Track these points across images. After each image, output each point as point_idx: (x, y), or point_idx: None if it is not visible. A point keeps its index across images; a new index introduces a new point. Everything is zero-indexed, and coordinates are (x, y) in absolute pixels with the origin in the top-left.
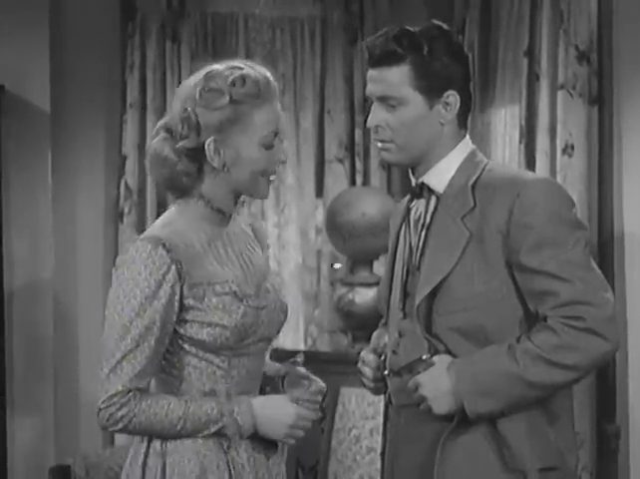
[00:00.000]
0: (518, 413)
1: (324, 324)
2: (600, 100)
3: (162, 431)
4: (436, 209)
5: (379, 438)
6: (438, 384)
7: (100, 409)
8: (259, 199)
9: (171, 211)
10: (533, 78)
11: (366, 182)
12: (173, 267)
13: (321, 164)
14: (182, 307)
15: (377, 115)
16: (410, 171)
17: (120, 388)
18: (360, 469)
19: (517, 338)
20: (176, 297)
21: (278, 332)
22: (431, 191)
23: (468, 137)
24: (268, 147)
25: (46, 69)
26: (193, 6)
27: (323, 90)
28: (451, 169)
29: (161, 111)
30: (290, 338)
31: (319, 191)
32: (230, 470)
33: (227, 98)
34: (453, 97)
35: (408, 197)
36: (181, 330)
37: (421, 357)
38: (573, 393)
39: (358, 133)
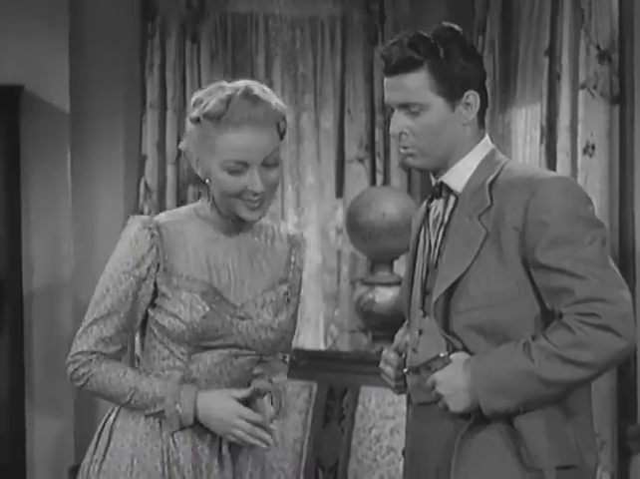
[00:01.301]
0: (535, 410)
1: (344, 324)
2: (621, 99)
3: (115, 397)
4: (454, 208)
5: (399, 438)
6: (454, 382)
7: (67, 363)
8: (241, 219)
9: (189, 206)
10: (554, 77)
11: (386, 181)
12: (154, 252)
13: (341, 164)
14: (157, 292)
15: (399, 122)
16: (431, 171)
17: (85, 348)
18: (380, 469)
19: (533, 336)
20: (152, 280)
21: (267, 349)
22: (450, 190)
23: (487, 136)
24: (230, 173)
25: (65, 69)
26: (213, 6)
27: (343, 89)
28: (470, 168)
29: (181, 111)
30: (310, 338)
31: (339, 191)
32: (163, 457)
33: (194, 114)
34: (473, 96)
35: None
36: (152, 313)
37: (439, 355)
38: (593, 394)
39: (378, 132)
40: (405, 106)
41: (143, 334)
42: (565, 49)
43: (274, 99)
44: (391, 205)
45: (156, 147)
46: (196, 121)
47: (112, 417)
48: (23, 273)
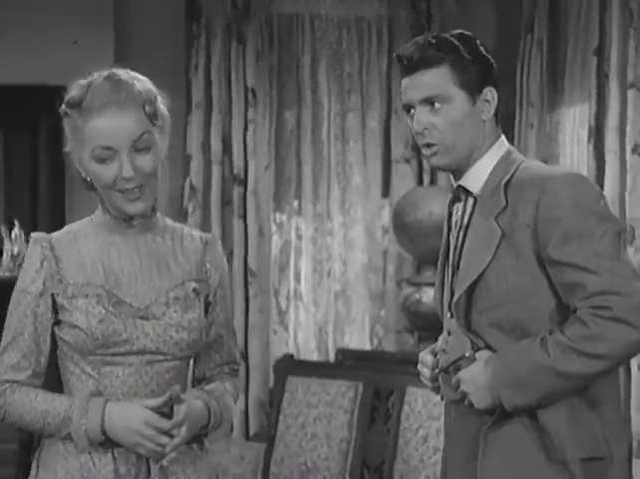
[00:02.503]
0: (558, 403)
1: (390, 324)
2: None
3: (32, 424)
4: (473, 210)
5: None
6: (476, 380)
7: None
8: (125, 214)
9: (86, 217)
10: (603, 77)
11: (433, 181)
12: (46, 264)
13: (387, 163)
14: (57, 307)
15: (423, 118)
16: (451, 174)
17: None
18: (426, 469)
19: (550, 331)
20: (49, 294)
21: (183, 351)
22: (468, 192)
23: (503, 136)
24: (99, 161)
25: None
26: (258, 6)
27: (390, 89)
28: (486, 170)
29: (226, 111)
30: (356, 339)
31: (385, 191)
32: None
33: (63, 106)
34: (491, 93)
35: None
36: (57, 331)
37: (464, 354)
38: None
39: None
40: (428, 100)
41: (59, 358)
42: (614, 48)
43: (140, 82)
44: (437, 204)
45: (200, 147)
46: (65, 114)
47: (38, 450)
48: None
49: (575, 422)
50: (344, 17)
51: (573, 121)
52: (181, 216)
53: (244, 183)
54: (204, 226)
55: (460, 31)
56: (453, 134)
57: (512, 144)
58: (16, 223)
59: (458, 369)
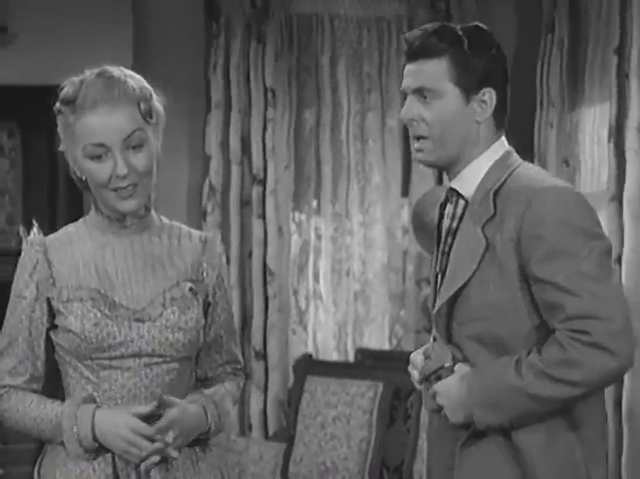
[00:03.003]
0: (536, 424)
1: (410, 324)
2: None
3: (29, 430)
4: (463, 214)
5: None
6: (450, 394)
7: None
8: (118, 212)
9: (81, 219)
10: (623, 76)
11: None
12: (40, 268)
13: (407, 163)
14: (53, 311)
15: (411, 108)
16: (442, 169)
17: None
18: None
19: (529, 351)
20: (44, 298)
21: (180, 352)
22: (460, 195)
23: (503, 138)
24: (92, 159)
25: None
26: (278, 6)
27: None
28: (480, 173)
29: (246, 111)
30: (375, 338)
31: (405, 190)
32: None
33: (57, 104)
34: (489, 94)
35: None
36: (53, 336)
37: (444, 365)
38: None
39: None
40: (419, 91)
41: (59, 363)
42: (635, 47)
43: (134, 79)
44: None
45: (219, 146)
46: (58, 112)
47: (40, 455)
48: None
49: (552, 443)
50: (363, 17)
51: (594, 120)
52: (200, 215)
53: (263, 182)
54: (223, 225)
55: (475, 24)
56: (440, 130)
57: (532, 143)
58: (34, 223)
59: (438, 379)
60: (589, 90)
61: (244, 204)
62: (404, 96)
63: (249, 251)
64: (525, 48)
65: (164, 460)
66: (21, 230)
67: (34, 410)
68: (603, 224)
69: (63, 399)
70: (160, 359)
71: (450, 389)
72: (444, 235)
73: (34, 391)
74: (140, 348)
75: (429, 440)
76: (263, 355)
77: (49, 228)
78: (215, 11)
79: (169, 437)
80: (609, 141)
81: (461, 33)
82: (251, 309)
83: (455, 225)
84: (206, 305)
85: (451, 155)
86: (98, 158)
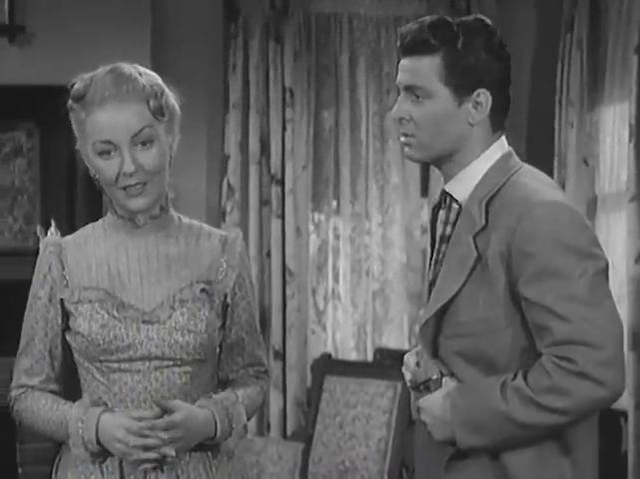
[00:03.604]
0: (526, 446)
1: None
2: None
3: (43, 431)
4: (456, 220)
5: None
6: (434, 411)
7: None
8: (128, 210)
9: (100, 219)
10: None
11: None
12: (54, 269)
13: (426, 163)
14: (66, 312)
15: (402, 106)
16: (431, 164)
17: (13, 384)
18: None
19: (515, 374)
20: (58, 299)
21: (190, 355)
22: (453, 200)
23: (503, 139)
24: (101, 156)
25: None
26: (297, 6)
27: None
28: (476, 176)
29: (264, 111)
30: (394, 338)
31: (424, 190)
32: None
33: (69, 101)
34: (484, 96)
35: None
36: (67, 337)
37: (431, 377)
38: None
39: None
40: (410, 89)
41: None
42: None
43: (146, 76)
44: None
45: (238, 146)
46: (70, 109)
47: (58, 456)
48: None
49: (541, 466)
50: (382, 17)
51: (614, 120)
52: (219, 215)
53: (282, 182)
54: (242, 225)
55: (477, 17)
56: (428, 131)
57: (552, 143)
58: (52, 222)
59: (427, 389)
60: (609, 89)
61: (263, 203)
62: (398, 91)
63: (268, 251)
64: (545, 47)
65: (176, 464)
66: (38, 229)
67: (47, 412)
68: (623, 224)
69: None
70: (170, 363)
71: (433, 406)
72: (437, 241)
73: (51, 392)
74: (149, 351)
75: (416, 451)
76: (282, 355)
77: (67, 227)
78: (234, 11)
79: (163, 434)
80: (629, 141)
81: (457, 29)
82: (270, 309)
83: (448, 231)
84: (225, 307)
85: (439, 154)
86: (106, 154)
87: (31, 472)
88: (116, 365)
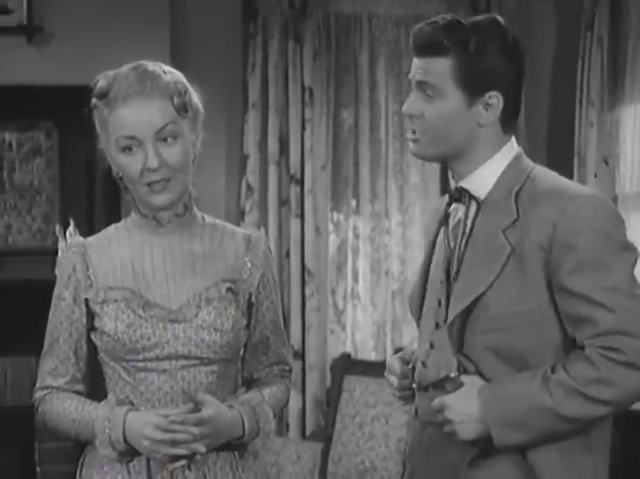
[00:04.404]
0: (552, 443)
1: None
2: None
3: (67, 432)
4: (476, 216)
5: None
6: (466, 409)
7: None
8: (152, 207)
9: (122, 219)
10: None
11: None
12: (79, 269)
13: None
14: (91, 313)
15: (413, 103)
16: (449, 173)
17: (38, 385)
18: None
19: (552, 367)
20: (82, 299)
21: (217, 354)
22: (471, 196)
23: (513, 140)
24: (124, 152)
25: None
26: (316, 6)
27: None
28: (493, 174)
29: (283, 110)
30: (412, 339)
31: (444, 189)
32: None
33: (93, 99)
34: (495, 98)
35: (446, 198)
36: (92, 337)
37: (449, 375)
38: None
39: None
40: (422, 84)
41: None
42: None
43: (170, 74)
44: None
45: (257, 146)
46: (94, 107)
47: (83, 455)
48: None
49: (569, 465)
50: (402, 16)
51: (634, 119)
52: (238, 215)
53: (301, 182)
54: (261, 225)
55: (491, 17)
56: (437, 129)
57: (573, 142)
58: (71, 222)
59: (441, 390)
60: (630, 88)
61: (282, 203)
62: (410, 86)
63: (287, 251)
64: (565, 46)
65: (203, 463)
66: (57, 229)
67: (73, 413)
68: None
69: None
70: (197, 362)
71: (463, 404)
72: (454, 235)
73: (77, 392)
74: (175, 350)
75: (416, 451)
76: (301, 355)
77: (86, 227)
78: (253, 11)
79: (194, 429)
80: None
81: (469, 31)
82: (289, 309)
83: (468, 226)
84: (250, 306)
85: (445, 153)
86: (130, 150)
87: (49, 471)
88: (142, 364)
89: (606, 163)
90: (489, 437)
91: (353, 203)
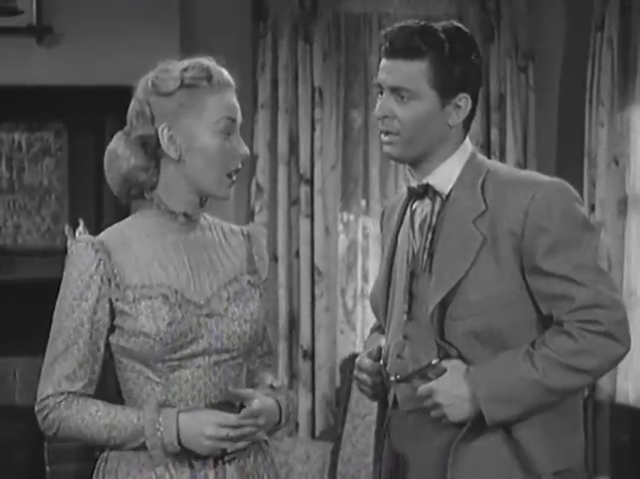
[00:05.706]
0: (533, 418)
1: None
2: None
3: (93, 439)
4: (441, 210)
5: None
6: (454, 391)
7: (36, 412)
8: (219, 198)
9: (129, 217)
10: None
11: None
12: (102, 268)
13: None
14: (115, 312)
15: (386, 105)
16: (409, 171)
17: (50, 391)
18: None
19: (533, 344)
20: (106, 299)
21: (246, 345)
22: (435, 192)
23: (468, 138)
24: (222, 132)
25: None
26: (326, 6)
27: None
28: (455, 170)
29: (293, 110)
30: None
31: None
32: None
33: (179, 82)
34: (465, 100)
35: (403, 196)
36: (114, 340)
37: (431, 363)
38: None
39: (494, 132)
40: (396, 90)
41: (117, 368)
42: None
43: None
44: None
45: (267, 146)
46: (192, 86)
47: (100, 462)
48: None
49: (550, 436)
50: (412, 16)
51: None
52: (248, 215)
53: (311, 182)
54: (271, 225)
55: (456, 25)
56: (412, 129)
57: (583, 142)
58: (80, 222)
59: (424, 378)
60: None
61: (292, 203)
62: (379, 90)
63: (297, 251)
64: (575, 46)
65: (239, 456)
66: (66, 228)
67: (103, 418)
68: None
69: (121, 403)
70: (227, 356)
71: (451, 387)
72: (420, 230)
73: (89, 396)
74: (209, 344)
75: (398, 441)
76: (311, 355)
77: (95, 227)
78: (263, 11)
79: (261, 420)
80: None
81: (443, 36)
82: (299, 309)
83: (434, 221)
84: (260, 296)
85: (418, 153)
86: (226, 135)
87: (59, 471)
88: (177, 363)
89: (616, 163)
90: (479, 416)
91: (363, 203)
